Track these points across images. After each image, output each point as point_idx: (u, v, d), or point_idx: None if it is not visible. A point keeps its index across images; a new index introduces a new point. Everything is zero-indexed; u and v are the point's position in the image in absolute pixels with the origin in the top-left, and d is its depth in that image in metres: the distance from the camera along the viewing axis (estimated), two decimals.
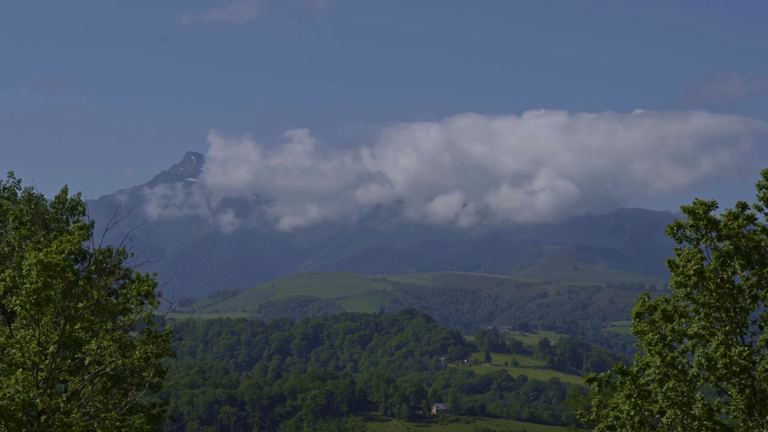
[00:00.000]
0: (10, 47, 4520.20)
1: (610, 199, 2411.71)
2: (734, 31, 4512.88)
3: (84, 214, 72.62)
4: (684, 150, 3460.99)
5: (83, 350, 51.98)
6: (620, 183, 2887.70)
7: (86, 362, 52.51)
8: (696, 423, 55.37)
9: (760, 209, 58.28)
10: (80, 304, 51.13)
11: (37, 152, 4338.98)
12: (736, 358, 54.47)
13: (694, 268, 56.09)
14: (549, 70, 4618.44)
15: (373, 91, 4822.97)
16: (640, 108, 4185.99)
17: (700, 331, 56.30)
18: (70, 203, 71.79)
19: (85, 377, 52.51)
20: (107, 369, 52.05)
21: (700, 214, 57.13)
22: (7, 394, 47.92)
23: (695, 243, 57.85)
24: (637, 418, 57.09)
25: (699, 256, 56.86)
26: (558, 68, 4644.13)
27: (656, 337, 56.64)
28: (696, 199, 57.36)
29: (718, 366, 54.62)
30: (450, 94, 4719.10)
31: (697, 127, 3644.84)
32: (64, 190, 72.60)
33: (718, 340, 55.49)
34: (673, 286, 57.44)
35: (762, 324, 58.17)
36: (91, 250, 64.49)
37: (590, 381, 60.58)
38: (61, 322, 50.78)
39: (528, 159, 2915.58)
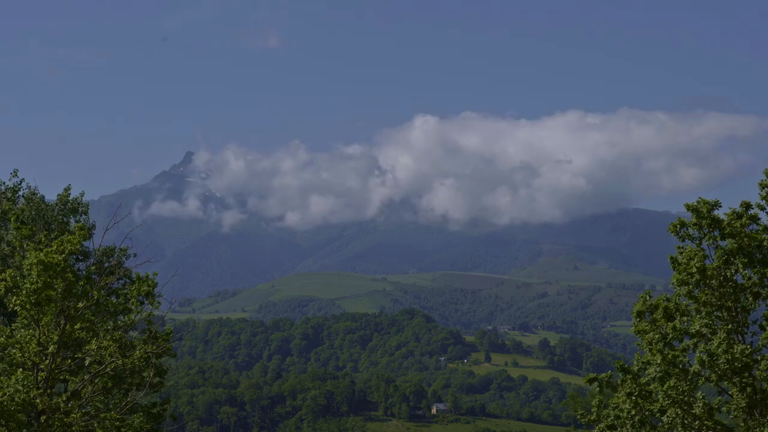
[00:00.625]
0: (11, 45, 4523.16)
1: (611, 200, 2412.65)
2: (738, 32, 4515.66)
3: (86, 214, 72.54)
4: (688, 150, 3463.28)
5: (83, 350, 51.98)
6: (621, 183, 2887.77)
7: (86, 362, 52.51)
8: (696, 422, 55.34)
9: (762, 208, 58.33)
10: (80, 304, 51.13)
11: (37, 152, 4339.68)
12: (738, 355, 54.49)
13: (696, 266, 56.11)
14: (553, 71, 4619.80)
15: (373, 90, 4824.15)
16: (646, 108, 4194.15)
17: (702, 329, 56.32)
18: (71, 204, 71.70)
19: (86, 377, 52.50)
20: (107, 369, 52.05)
21: (704, 213, 57.18)
22: (7, 394, 47.91)
23: (698, 241, 57.88)
24: (637, 417, 57.08)
25: (701, 254, 56.88)
26: (562, 68, 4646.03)
27: (657, 335, 56.64)
28: (699, 197, 57.43)
29: (720, 362, 54.62)
30: (452, 93, 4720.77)
31: (704, 126, 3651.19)
32: (67, 189, 72.54)
33: (719, 338, 55.51)
34: (675, 284, 57.47)
35: (763, 323, 58.17)
36: (92, 250, 64.53)
37: (591, 381, 60.60)
38: (62, 322, 50.78)
39: (528, 159, 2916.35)
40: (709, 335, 56.41)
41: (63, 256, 49.94)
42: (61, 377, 53.00)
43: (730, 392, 56.85)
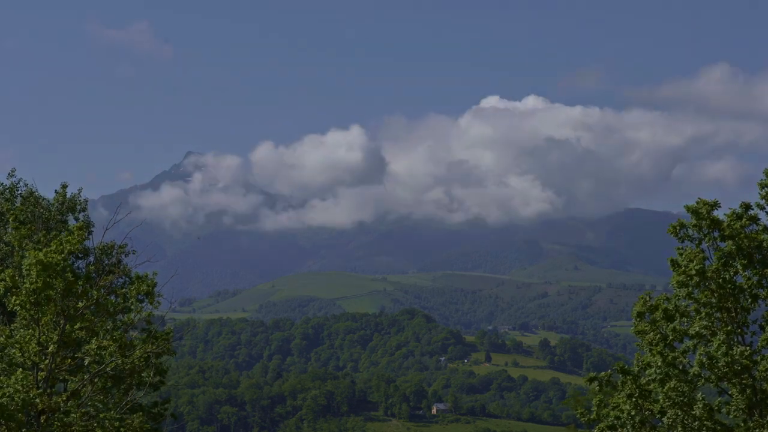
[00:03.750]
0: (11, 41, 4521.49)
1: (611, 199, 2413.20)
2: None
3: (85, 211, 72.35)
4: (686, 150, 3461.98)
5: (83, 350, 51.91)
6: (621, 183, 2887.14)
7: (86, 362, 52.43)
8: (697, 423, 55.31)
9: (762, 208, 58.27)
10: (80, 303, 51.06)
11: (37, 152, 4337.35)
12: (738, 357, 54.45)
13: (696, 267, 56.04)
14: (550, 62, 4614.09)
15: (372, 87, 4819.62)
16: (641, 104, 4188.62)
17: (702, 330, 56.28)
18: (69, 202, 71.52)
19: (85, 377, 52.43)
20: (107, 369, 51.99)
21: (703, 214, 57.12)
22: (7, 394, 47.86)
23: (697, 243, 57.82)
24: (637, 418, 57.04)
25: (701, 255, 56.82)
26: (559, 58, 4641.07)
27: (657, 336, 56.60)
28: (699, 198, 57.38)
29: (720, 364, 54.58)
30: (453, 92, 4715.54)
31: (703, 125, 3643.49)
32: (64, 187, 72.37)
33: (719, 339, 55.47)
34: (675, 285, 57.42)
35: (763, 324, 58.12)
36: (92, 248, 64.40)
37: (591, 380, 60.52)
38: (61, 321, 50.72)
39: (529, 159, 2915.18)
40: (709, 336, 56.38)
41: (62, 255, 49.88)
42: (61, 377, 52.95)
43: (730, 393, 56.82)
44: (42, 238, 54.89)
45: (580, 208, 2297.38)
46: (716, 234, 57.39)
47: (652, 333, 56.99)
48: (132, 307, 54.74)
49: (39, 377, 50.21)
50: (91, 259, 64.83)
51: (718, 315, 56.59)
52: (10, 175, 73.36)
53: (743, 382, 55.45)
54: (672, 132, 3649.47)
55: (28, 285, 49.41)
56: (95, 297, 51.78)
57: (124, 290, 55.74)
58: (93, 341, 51.54)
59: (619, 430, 57.79)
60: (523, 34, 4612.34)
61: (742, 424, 56.54)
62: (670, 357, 55.76)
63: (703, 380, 56.35)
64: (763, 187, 58.16)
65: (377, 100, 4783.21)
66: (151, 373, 55.06)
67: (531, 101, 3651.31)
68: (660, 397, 55.98)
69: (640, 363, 57.91)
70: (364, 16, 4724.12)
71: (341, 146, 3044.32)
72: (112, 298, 55.60)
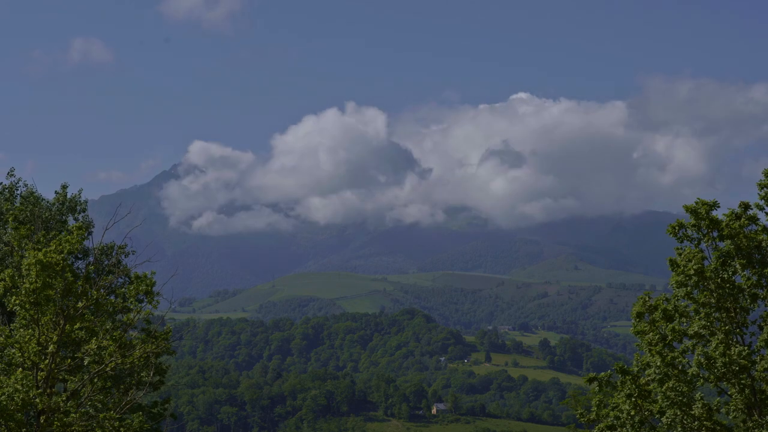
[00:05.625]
0: (9, 38, 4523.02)
1: (611, 199, 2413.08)
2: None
3: (84, 212, 72.50)
4: (683, 149, 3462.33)
5: (83, 350, 51.92)
6: (622, 182, 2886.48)
7: (86, 362, 52.45)
8: (696, 423, 55.34)
9: (761, 208, 58.30)
10: (80, 303, 51.07)
11: (36, 152, 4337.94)
12: (735, 357, 54.49)
13: (694, 267, 56.07)
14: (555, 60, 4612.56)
15: (375, 84, 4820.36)
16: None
17: (701, 330, 56.30)
18: (69, 202, 71.65)
19: (85, 377, 52.44)
20: (107, 369, 51.99)
21: (702, 214, 57.15)
22: (7, 394, 47.87)
23: (696, 243, 57.85)
24: (637, 418, 57.08)
25: (700, 255, 56.85)
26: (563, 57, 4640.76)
27: (656, 336, 56.64)
28: (698, 198, 57.41)
29: (717, 365, 54.62)
30: (455, 89, 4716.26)
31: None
32: (64, 187, 72.52)
33: (718, 339, 55.49)
34: (674, 285, 57.46)
35: (762, 324, 58.14)
36: (91, 248, 64.48)
37: (590, 381, 60.57)
38: (61, 321, 50.72)
39: (528, 158, 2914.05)
40: (708, 336, 56.40)
41: (62, 255, 49.88)
42: (61, 377, 52.96)
43: (729, 393, 56.85)
44: (41, 238, 54.87)
45: (581, 209, 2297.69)
46: (715, 234, 57.44)
47: (651, 333, 57.03)
48: (131, 306, 54.79)
49: (39, 377, 50.21)
50: (91, 259, 64.89)
51: (717, 315, 56.62)
52: (10, 174, 73.45)
53: (742, 382, 55.48)
54: (681, 134, 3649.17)
55: (27, 285, 49.41)
56: (95, 297, 51.80)
57: (123, 290, 55.75)
58: (93, 341, 51.55)
59: (619, 430, 57.83)
60: (538, 29, 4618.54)
61: (741, 424, 56.57)
62: (669, 357, 55.79)
63: (702, 380, 56.39)
64: (762, 188, 58.21)
65: (380, 96, 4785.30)
66: (151, 373, 55.09)
67: (526, 99, 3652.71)
68: (659, 397, 56.02)
69: (640, 363, 57.96)
70: (362, 15, 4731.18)
71: (342, 146, 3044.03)
72: (112, 298, 55.62)
